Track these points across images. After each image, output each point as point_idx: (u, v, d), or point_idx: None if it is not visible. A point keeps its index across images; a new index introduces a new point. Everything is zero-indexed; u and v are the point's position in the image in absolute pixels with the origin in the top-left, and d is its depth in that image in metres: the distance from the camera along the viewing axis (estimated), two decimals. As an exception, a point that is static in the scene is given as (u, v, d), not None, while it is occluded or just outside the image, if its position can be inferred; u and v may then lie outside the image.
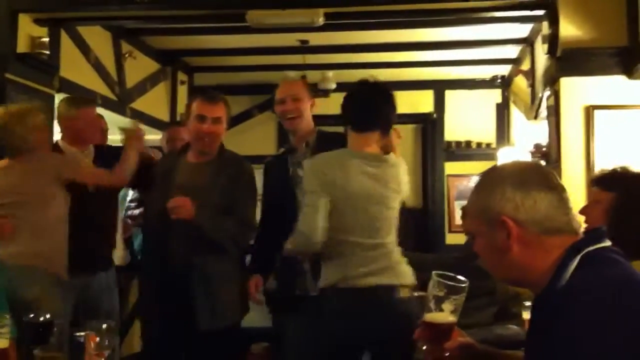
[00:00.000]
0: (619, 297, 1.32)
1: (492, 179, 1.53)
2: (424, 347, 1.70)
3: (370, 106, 2.78)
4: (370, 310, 2.64)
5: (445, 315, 1.63)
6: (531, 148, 5.03)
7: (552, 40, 4.24)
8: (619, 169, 2.55)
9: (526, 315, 2.64)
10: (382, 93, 2.83)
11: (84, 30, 5.28)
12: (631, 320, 1.29)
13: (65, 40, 5.04)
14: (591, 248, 1.43)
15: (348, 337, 2.66)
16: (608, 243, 1.46)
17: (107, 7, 4.72)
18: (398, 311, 2.65)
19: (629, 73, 4.03)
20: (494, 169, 1.62)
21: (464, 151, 7.33)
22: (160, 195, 3.16)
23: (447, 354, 1.69)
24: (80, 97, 4.45)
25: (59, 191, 3.42)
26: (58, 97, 4.85)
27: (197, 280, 3.10)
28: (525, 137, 6.07)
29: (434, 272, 1.65)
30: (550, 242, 1.45)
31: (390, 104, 2.82)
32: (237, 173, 3.22)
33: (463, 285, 1.63)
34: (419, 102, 7.44)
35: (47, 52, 4.65)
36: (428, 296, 1.64)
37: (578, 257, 1.41)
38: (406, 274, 2.76)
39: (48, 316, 2.03)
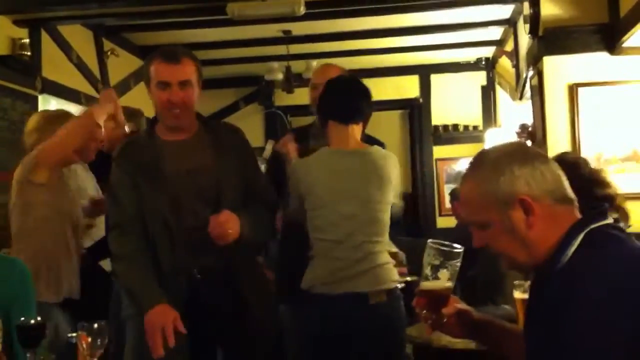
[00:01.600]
0: (623, 276, 1.32)
1: (491, 163, 1.50)
2: (423, 314, 1.71)
3: (351, 97, 2.78)
4: (342, 319, 2.58)
5: (441, 282, 1.65)
6: (517, 129, 5.05)
7: (534, 20, 4.25)
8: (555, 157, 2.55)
9: (518, 294, 2.65)
10: (359, 86, 2.83)
11: (65, 30, 5.25)
12: (636, 299, 1.29)
13: (46, 41, 5.01)
14: (594, 225, 1.43)
15: (326, 337, 2.63)
16: (610, 220, 1.47)
17: (86, 5, 4.70)
18: (371, 319, 2.58)
19: (611, 49, 4.05)
20: (485, 154, 1.59)
21: (451, 134, 7.35)
22: (155, 193, 2.47)
23: (444, 320, 1.70)
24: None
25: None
26: (41, 98, 4.84)
27: (225, 299, 2.48)
28: (512, 118, 6.09)
29: (429, 240, 1.66)
30: (561, 212, 1.45)
31: (368, 97, 2.81)
32: (240, 145, 2.60)
33: (458, 251, 1.65)
34: (404, 87, 7.45)
35: (28, 54, 4.63)
36: (424, 264, 1.65)
37: (582, 235, 1.42)
38: (386, 278, 2.64)
39: (39, 319, 2.03)
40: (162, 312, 2.30)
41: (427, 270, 1.64)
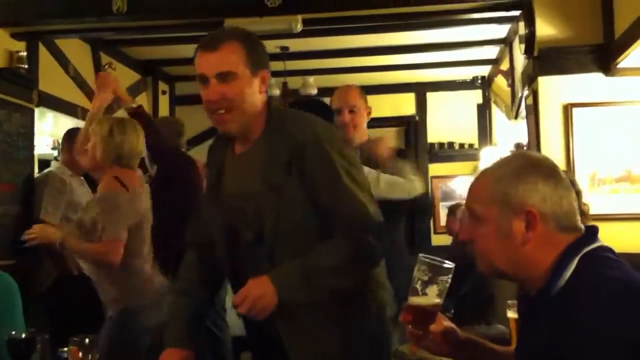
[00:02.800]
0: (621, 299, 1.31)
1: (519, 167, 1.48)
2: (408, 330, 1.70)
3: None
4: None
5: (430, 298, 1.63)
6: (512, 147, 5.06)
7: (529, 40, 4.27)
8: None
9: (512, 314, 2.64)
10: (326, 109, 2.89)
11: (62, 43, 5.26)
12: (634, 322, 1.29)
13: (44, 54, 5.02)
14: (588, 248, 1.43)
15: None
16: (601, 242, 1.46)
17: (84, 19, 4.71)
18: None
19: (606, 70, 4.07)
20: (520, 156, 1.58)
21: (447, 152, 7.37)
22: (212, 212, 2.12)
23: (430, 337, 1.69)
24: None
25: None
26: (38, 111, 4.84)
27: (284, 329, 1.99)
28: (507, 137, 6.11)
29: (420, 254, 1.65)
30: (562, 239, 1.44)
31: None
32: (298, 148, 1.93)
33: (448, 267, 1.63)
34: (400, 104, 7.48)
35: (26, 66, 4.64)
36: (414, 279, 1.64)
37: (577, 258, 1.41)
38: None
39: (32, 330, 2.02)
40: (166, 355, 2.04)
41: (417, 285, 1.63)
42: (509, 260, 1.47)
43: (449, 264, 1.63)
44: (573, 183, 2.39)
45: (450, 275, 1.62)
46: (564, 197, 1.44)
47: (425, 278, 1.62)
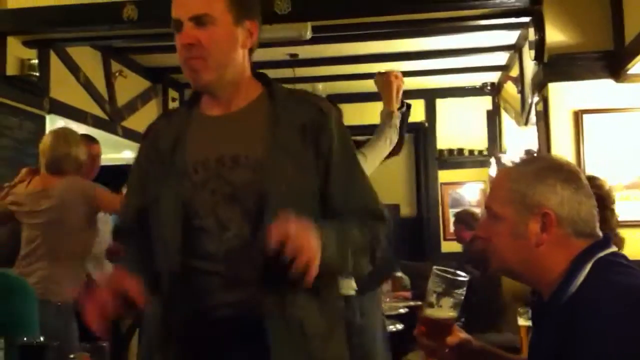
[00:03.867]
0: (634, 304, 1.31)
1: (540, 168, 1.49)
2: (422, 342, 1.69)
3: None
4: None
5: (444, 310, 1.63)
6: (522, 154, 5.05)
7: (539, 46, 4.27)
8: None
9: (522, 321, 2.63)
10: None
11: (73, 51, 5.29)
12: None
13: (55, 61, 5.05)
14: (602, 254, 1.43)
15: None
16: (615, 248, 1.46)
17: (95, 27, 4.74)
18: None
19: (616, 76, 4.06)
20: (542, 158, 1.61)
21: (456, 159, 7.36)
22: (162, 193, 1.66)
23: (446, 350, 1.68)
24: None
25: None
26: (49, 118, 4.87)
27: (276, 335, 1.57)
28: (517, 143, 6.09)
29: (434, 267, 1.64)
30: (576, 244, 1.43)
31: None
32: (318, 126, 1.65)
33: (462, 279, 1.63)
34: (410, 111, 7.46)
35: (37, 74, 4.67)
36: (428, 291, 1.63)
37: (590, 263, 1.41)
38: None
39: (42, 339, 2.03)
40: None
41: (432, 298, 1.63)
42: (521, 261, 1.48)
43: (463, 276, 1.62)
44: (609, 193, 2.40)
45: (464, 288, 1.61)
46: (583, 203, 1.44)
47: (440, 290, 1.61)
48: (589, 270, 1.40)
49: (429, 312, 1.63)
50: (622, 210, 3.88)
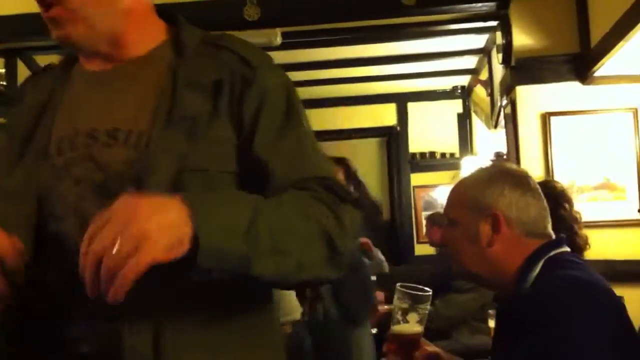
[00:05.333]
0: (585, 296, 1.37)
1: (489, 174, 1.60)
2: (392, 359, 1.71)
3: None
4: None
5: (411, 325, 1.66)
6: (492, 156, 5.10)
7: (506, 50, 4.31)
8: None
9: (492, 323, 2.66)
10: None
11: (42, 59, 5.23)
12: (597, 317, 1.32)
13: (23, 70, 4.99)
14: (553, 253, 1.48)
15: None
16: (567, 248, 1.52)
17: (63, 35, 4.69)
18: None
19: (583, 79, 4.11)
20: (492, 166, 1.71)
21: (428, 162, 7.40)
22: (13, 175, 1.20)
23: None
24: None
25: None
26: (17, 128, 4.82)
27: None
28: (488, 146, 6.15)
29: (398, 284, 1.68)
30: (529, 244, 1.50)
31: None
32: (242, 79, 1.19)
33: (426, 294, 1.66)
34: (382, 115, 7.50)
35: (4, 83, 4.62)
36: (394, 308, 1.66)
37: (542, 261, 1.46)
38: None
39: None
40: None
41: (397, 315, 1.66)
42: (478, 262, 1.55)
43: (426, 291, 1.66)
44: (563, 192, 2.44)
45: (429, 302, 1.66)
46: (531, 204, 1.54)
47: (405, 306, 1.65)
48: (540, 267, 1.45)
49: (396, 328, 1.67)
50: (590, 211, 3.95)
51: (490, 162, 1.70)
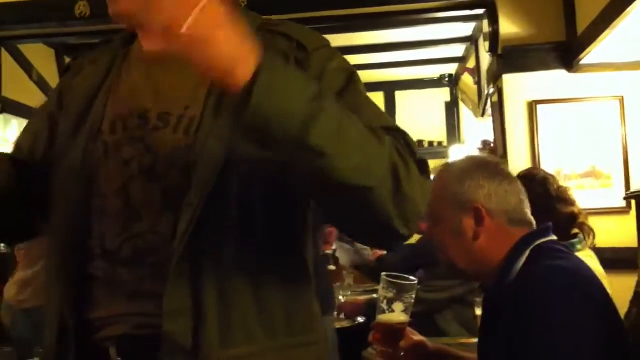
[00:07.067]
0: (570, 286, 1.37)
1: (463, 168, 1.59)
2: (378, 349, 1.72)
3: None
4: None
5: (397, 315, 1.66)
6: (479, 144, 5.11)
7: (493, 38, 4.31)
8: (524, 173, 2.61)
9: (478, 311, 2.67)
10: None
11: (26, 48, 5.19)
12: (582, 306, 1.33)
13: (7, 59, 4.95)
14: (539, 241, 1.48)
15: None
16: (554, 237, 1.52)
17: (47, 24, 4.65)
18: None
19: (569, 67, 4.12)
20: (462, 159, 1.70)
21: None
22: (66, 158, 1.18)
23: (402, 353, 1.71)
24: None
25: None
26: (2, 118, 4.78)
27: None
28: (475, 134, 6.16)
29: (383, 273, 1.67)
30: (513, 233, 1.51)
31: None
32: (299, 50, 1.18)
33: (411, 283, 1.66)
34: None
35: (-12, 73, 4.57)
36: (379, 297, 1.66)
37: (528, 251, 1.46)
38: None
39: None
40: None
41: (383, 304, 1.66)
42: (466, 256, 1.55)
43: (411, 280, 1.66)
44: (553, 182, 2.44)
45: (414, 291, 1.66)
46: (509, 192, 1.54)
47: (390, 296, 1.65)
48: (527, 256, 1.46)
49: (382, 317, 1.66)
50: (577, 199, 3.96)
51: (464, 156, 1.68)
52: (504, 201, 1.53)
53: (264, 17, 1.26)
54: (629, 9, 3.00)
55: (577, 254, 2.07)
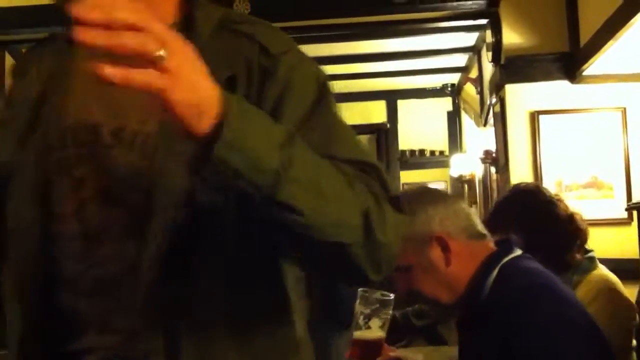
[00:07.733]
0: (543, 303, 1.38)
1: (407, 205, 1.56)
2: None
3: None
4: None
5: (374, 331, 1.67)
6: (481, 154, 5.11)
7: (496, 48, 4.32)
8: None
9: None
10: None
11: (29, 52, 5.21)
12: (558, 322, 1.33)
13: (10, 63, 4.96)
14: (506, 259, 1.48)
15: None
16: (519, 252, 1.52)
17: (50, 29, 4.64)
18: None
19: (572, 78, 4.13)
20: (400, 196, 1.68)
21: (417, 159, 7.41)
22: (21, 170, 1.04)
23: None
24: None
25: None
26: (4, 121, 4.79)
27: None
28: (477, 144, 6.15)
29: (359, 289, 1.68)
30: (477, 247, 1.53)
31: None
32: (260, 69, 1.02)
33: (388, 299, 1.66)
34: (372, 112, 7.50)
35: (-9, 76, 4.58)
36: (356, 314, 1.67)
37: (496, 270, 1.46)
38: None
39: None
40: None
41: (360, 320, 1.66)
42: (445, 287, 1.55)
43: (388, 297, 1.66)
44: (539, 189, 2.44)
45: (391, 307, 1.66)
46: (457, 210, 1.55)
47: (367, 311, 1.65)
48: (495, 275, 1.46)
49: (359, 334, 1.67)
50: (579, 209, 3.97)
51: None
52: (456, 220, 1.53)
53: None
54: (632, 20, 3.01)
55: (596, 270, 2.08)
